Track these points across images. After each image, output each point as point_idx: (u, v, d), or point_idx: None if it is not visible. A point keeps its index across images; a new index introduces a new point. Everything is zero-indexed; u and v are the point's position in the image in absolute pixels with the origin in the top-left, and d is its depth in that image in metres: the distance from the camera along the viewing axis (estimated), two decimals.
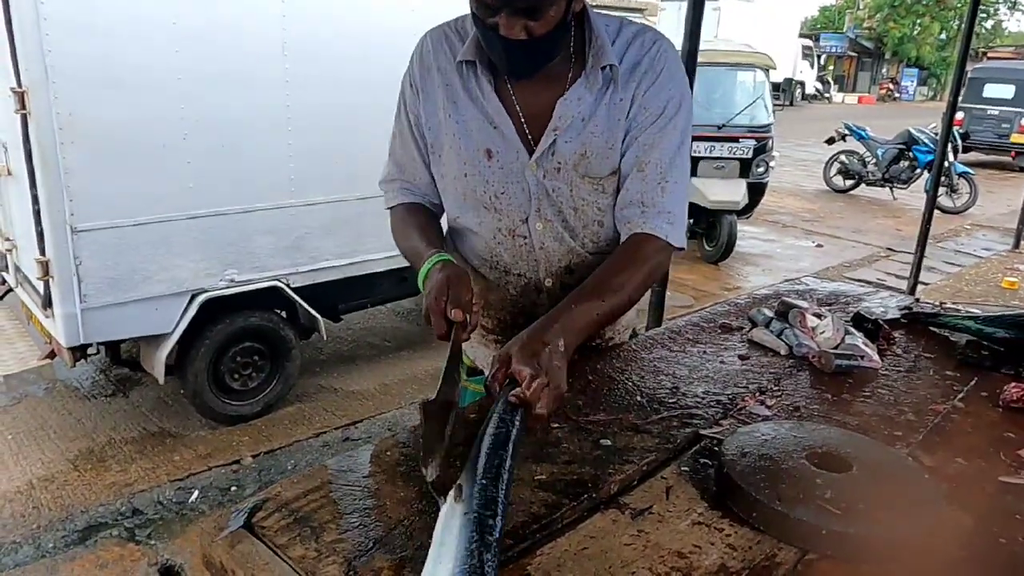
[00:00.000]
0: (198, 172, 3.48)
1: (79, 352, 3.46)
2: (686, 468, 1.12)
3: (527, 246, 1.42)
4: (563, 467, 1.09)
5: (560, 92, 1.32)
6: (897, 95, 37.04)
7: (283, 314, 4.09)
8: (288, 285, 3.90)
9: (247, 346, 3.92)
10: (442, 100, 1.37)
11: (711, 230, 7.36)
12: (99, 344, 3.59)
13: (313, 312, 4.02)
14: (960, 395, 1.43)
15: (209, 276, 3.62)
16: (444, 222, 1.54)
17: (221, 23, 3.43)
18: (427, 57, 1.40)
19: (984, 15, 34.84)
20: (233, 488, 3.39)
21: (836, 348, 1.55)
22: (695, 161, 6.98)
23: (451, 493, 0.88)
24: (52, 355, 3.71)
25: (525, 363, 1.06)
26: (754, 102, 7.39)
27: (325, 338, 4.30)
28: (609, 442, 1.18)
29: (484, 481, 0.89)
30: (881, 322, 1.72)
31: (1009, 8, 35.34)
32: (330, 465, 1.09)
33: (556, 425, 1.21)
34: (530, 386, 1.03)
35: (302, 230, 3.89)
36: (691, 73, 3.32)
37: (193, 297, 3.59)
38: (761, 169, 7.39)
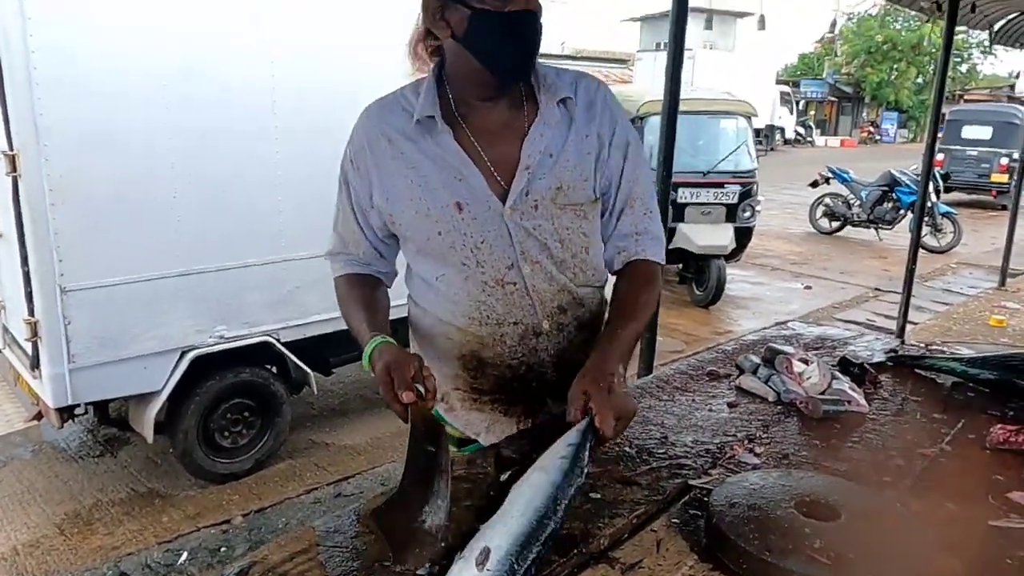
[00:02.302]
0: (188, 229, 3.50)
1: (67, 413, 3.42)
2: (676, 520, 1.11)
3: (519, 291, 1.41)
4: None
5: (520, 134, 1.37)
6: (878, 138, 37.70)
7: (273, 369, 4.07)
8: (278, 340, 3.89)
9: (237, 402, 3.89)
10: (397, 167, 1.37)
11: (700, 275, 7.42)
12: (87, 404, 3.55)
13: (304, 367, 4.01)
14: (948, 438, 1.44)
15: (199, 333, 3.62)
16: (417, 293, 1.51)
17: (210, 81, 3.48)
18: (373, 131, 1.39)
19: (959, 59, 35.72)
20: (223, 549, 3.33)
21: (823, 393, 1.56)
22: (682, 207, 7.07)
23: (474, 558, 0.90)
24: (39, 416, 3.67)
25: (604, 403, 1.16)
26: (738, 148, 7.52)
27: (316, 392, 4.27)
28: (599, 495, 1.17)
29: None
30: (867, 366, 1.73)
31: (982, 53, 36.28)
32: (318, 526, 1.08)
33: None
34: (611, 424, 1.14)
35: (292, 285, 3.90)
36: (674, 120, 3.37)
37: (183, 354, 3.58)
38: (747, 213, 7.49)
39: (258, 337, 3.82)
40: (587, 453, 1.11)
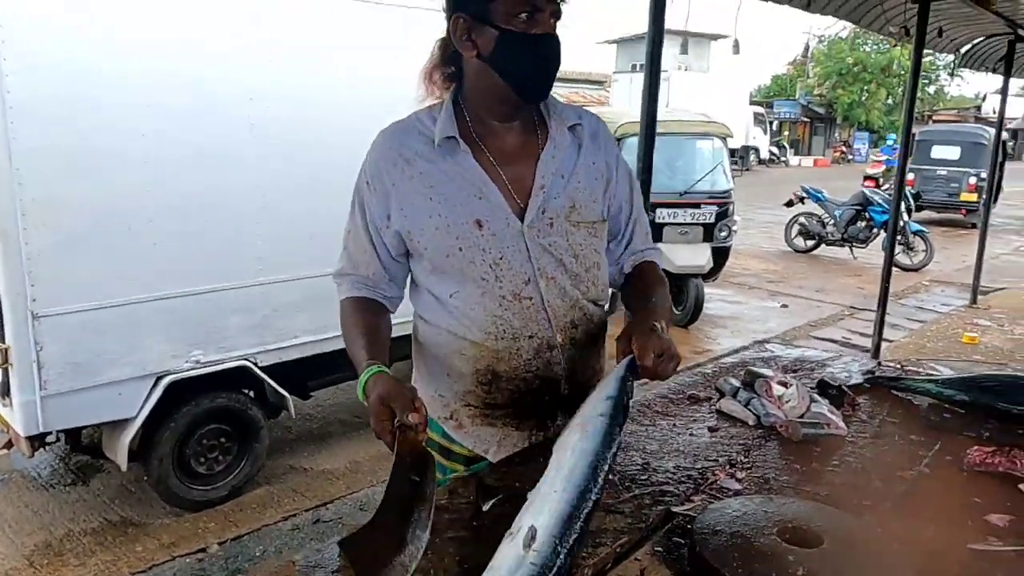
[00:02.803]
0: (164, 253, 3.46)
1: (38, 441, 3.35)
2: (659, 548, 1.11)
3: (535, 306, 1.46)
4: None
5: (534, 155, 1.46)
6: (850, 158, 38.32)
7: (251, 393, 4.01)
8: (256, 364, 3.85)
9: (213, 428, 3.83)
10: (415, 187, 1.42)
11: (679, 294, 7.45)
12: (59, 432, 3.48)
13: (282, 391, 3.96)
14: (926, 460, 1.45)
15: (175, 358, 3.57)
16: (427, 311, 1.53)
17: (187, 105, 3.46)
18: (390, 153, 1.45)
19: (927, 81, 36.54)
20: None
21: (802, 416, 1.57)
22: (660, 227, 7.12)
23: (521, 538, 0.93)
24: (9, 445, 3.59)
25: (646, 339, 1.27)
26: (714, 169, 7.61)
27: (294, 416, 4.22)
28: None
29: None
30: (845, 388, 1.75)
31: (949, 75, 37.16)
32: (297, 561, 1.07)
33: None
34: (651, 358, 1.25)
35: (270, 308, 3.87)
36: (651, 141, 3.41)
37: (158, 380, 3.52)
38: (724, 233, 7.56)
39: (235, 361, 3.77)
40: (628, 398, 1.19)
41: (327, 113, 3.93)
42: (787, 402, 1.61)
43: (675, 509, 1.21)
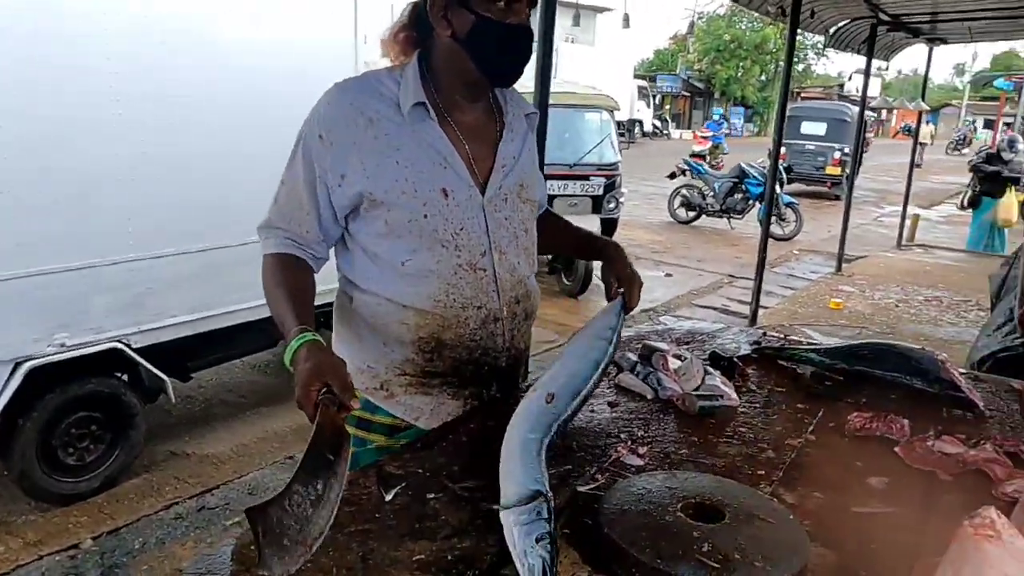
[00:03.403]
0: (21, 228, 3.15)
1: None
2: (567, 530, 1.10)
3: (488, 277, 1.50)
4: (443, 542, 1.05)
5: (492, 136, 1.54)
6: (728, 131, 40.17)
7: (124, 377, 3.75)
8: (129, 346, 3.60)
9: (83, 416, 3.56)
10: (380, 148, 1.42)
11: (568, 265, 7.58)
12: None
13: (159, 373, 3.73)
14: (811, 428, 1.52)
15: (36, 341, 3.27)
16: (367, 279, 1.52)
17: (47, 67, 3.15)
18: (349, 110, 1.43)
19: (796, 60, 38.58)
20: None
21: (697, 389, 1.61)
22: (550, 199, 7.17)
23: (542, 398, 1.29)
24: None
25: (632, 281, 1.61)
26: (602, 141, 7.74)
27: (174, 400, 3.99)
28: (488, 505, 1.14)
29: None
30: (735, 360, 1.81)
31: (816, 54, 39.29)
32: (186, 569, 0.99)
33: (432, 496, 1.16)
34: (637, 297, 1.60)
35: (144, 286, 3.61)
36: (544, 113, 3.42)
37: (17, 366, 3.22)
38: (612, 205, 7.73)
39: (106, 344, 3.51)
40: (620, 329, 1.52)
41: (208, 74, 3.69)
42: (683, 375, 1.65)
43: (580, 488, 1.21)
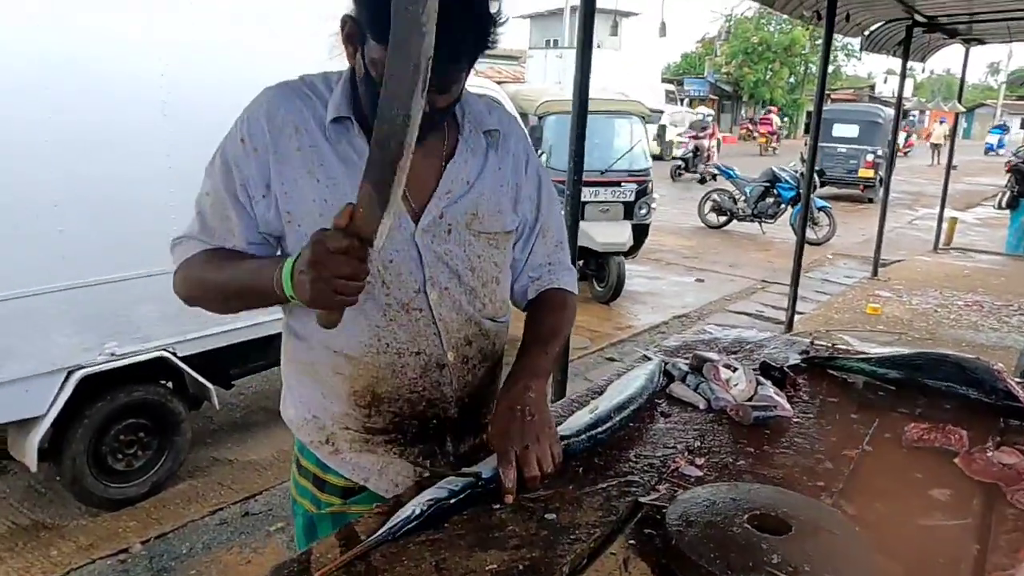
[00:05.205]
0: (72, 240, 3.24)
1: None
2: (633, 541, 1.12)
3: (424, 319, 1.32)
4: (513, 552, 1.07)
5: (438, 156, 1.32)
6: (756, 135, 39.82)
7: (170, 385, 3.84)
8: (175, 354, 3.68)
9: (131, 423, 3.65)
10: (302, 161, 1.25)
11: (600, 271, 7.58)
12: None
13: (203, 381, 3.81)
14: (867, 438, 1.52)
15: (86, 351, 3.36)
16: (299, 322, 1.37)
17: (95, 81, 3.24)
18: (276, 114, 1.26)
19: None
20: None
21: (751, 400, 1.61)
22: (582, 206, 7.18)
23: (588, 410, 1.47)
24: None
25: (527, 452, 1.23)
26: (633, 147, 7.73)
27: (217, 407, 4.07)
28: (553, 516, 1.16)
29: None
30: (786, 369, 1.81)
31: (846, 56, 38.86)
32: None
33: (498, 507, 1.19)
34: (536, 467, 1.23)
35: None
36: (583, 120, 3.47)
37: (69, 374, 3.32)
38: (643, 211, 7.71)
39: (152, 352, 3.59)
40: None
41: (246, 89, 3.76)
42: (735, 385, 1.65)
43: (643, 499, 1.22)
